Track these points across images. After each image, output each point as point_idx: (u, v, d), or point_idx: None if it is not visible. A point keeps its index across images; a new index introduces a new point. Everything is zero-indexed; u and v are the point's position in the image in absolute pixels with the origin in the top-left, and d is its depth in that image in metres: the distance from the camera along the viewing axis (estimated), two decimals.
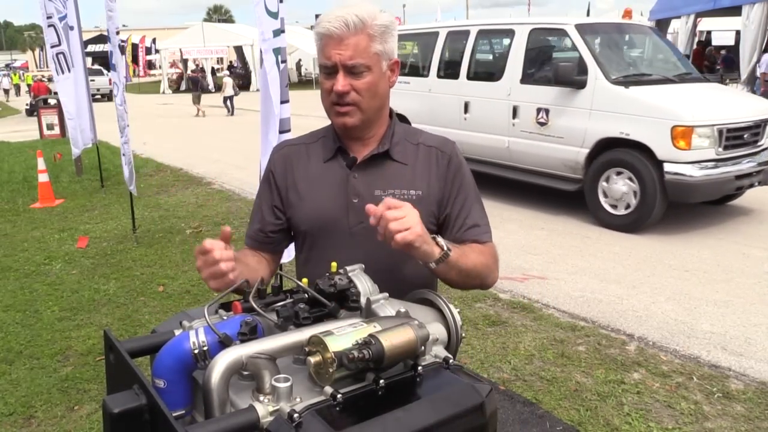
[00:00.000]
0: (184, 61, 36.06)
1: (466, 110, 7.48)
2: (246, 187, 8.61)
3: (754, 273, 4.96)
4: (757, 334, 3.93)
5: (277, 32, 3.37)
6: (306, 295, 1.16)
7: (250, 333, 1.06)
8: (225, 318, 1.15)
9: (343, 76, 1.43)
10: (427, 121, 7.71)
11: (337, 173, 1.55)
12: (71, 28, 5.82)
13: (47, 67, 60.56)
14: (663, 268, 5.13)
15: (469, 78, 7.54)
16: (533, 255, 5.53)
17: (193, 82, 21.90)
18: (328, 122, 1.59)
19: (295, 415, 0.91)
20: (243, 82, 35.25)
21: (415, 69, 8.64)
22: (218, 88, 31.05)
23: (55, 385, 3.47)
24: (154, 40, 40.18)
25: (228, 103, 20.22)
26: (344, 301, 1.17)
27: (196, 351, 1.05)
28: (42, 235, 6.62)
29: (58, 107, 14.79)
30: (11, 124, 20.87)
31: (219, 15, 75.29)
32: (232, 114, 20.01)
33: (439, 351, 1.15)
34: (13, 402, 3.32)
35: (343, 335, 1.01)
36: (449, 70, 7.93)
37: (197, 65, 35.59)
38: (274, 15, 3.34)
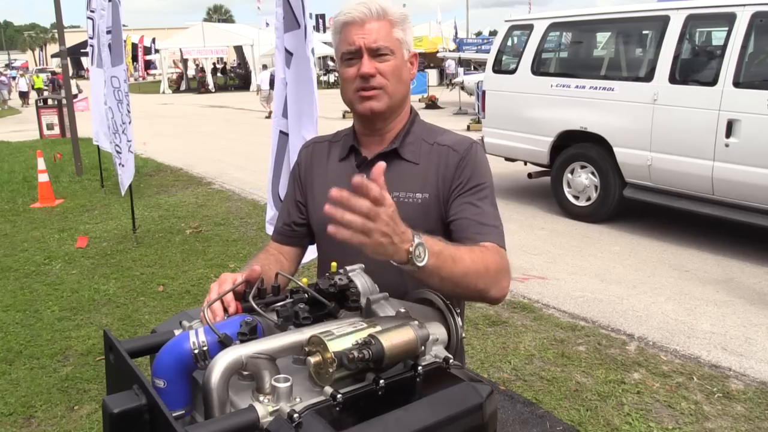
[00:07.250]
0: (184, 61, 36.07)
1: (729, 133, 5.18)
2: (246, 187, 8.60)
3: (754, 273, 4.97)
4: (757, 334, 3.94)
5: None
6: (306, 295, 1.15)
7: (250, 333, 1.06)
8: (225, 318, 1.15)
9: (369, 59, 1.40)
10: (644, 144, 5.80)
11: (347, 172, 1.51)
12: (108, 32, 5.90)
13: (48, 64, 60.50)
14: (663, 268, 5.13)
15: (738, 84, 5.19)
16: (533, 255, 5.53)
17: None
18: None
19: (295, 415, 0.91)
20: (242, 81, 35.28)
21: (616, 68, 6.52)
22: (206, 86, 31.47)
23: (55, 385, 3.47)
24: (153, 40, 40.09)
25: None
26: (344, 301, 1.17)
27: (196, 351, 1.05)
28: (42, 235, 6.62)
29: (59, 107, 14.82)
30: (11, 124, 20.85)
31: (219, 15, 75.32)
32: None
33: (439, 351, 1.15)
34: (13, 402, 3.32)
35: (343, 335, 1.01)
36: (696, 71, 5.79)
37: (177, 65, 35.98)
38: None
